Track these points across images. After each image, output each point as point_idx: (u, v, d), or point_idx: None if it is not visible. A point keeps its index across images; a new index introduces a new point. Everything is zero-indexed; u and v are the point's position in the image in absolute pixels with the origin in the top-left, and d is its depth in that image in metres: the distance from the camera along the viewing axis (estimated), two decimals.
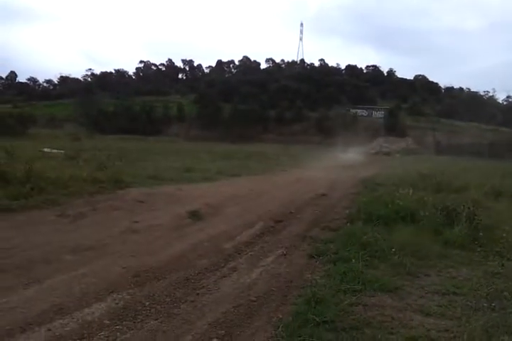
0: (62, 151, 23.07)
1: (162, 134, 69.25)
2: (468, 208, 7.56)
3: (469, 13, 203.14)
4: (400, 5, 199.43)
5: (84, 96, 78.15)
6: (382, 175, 19.54)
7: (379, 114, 77.72)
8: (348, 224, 7.85)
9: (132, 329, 3.73)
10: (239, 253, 6.22)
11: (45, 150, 24.60)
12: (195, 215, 8.55)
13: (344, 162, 31.90)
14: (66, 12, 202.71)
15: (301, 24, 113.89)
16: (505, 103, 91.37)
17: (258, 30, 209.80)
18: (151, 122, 74.72)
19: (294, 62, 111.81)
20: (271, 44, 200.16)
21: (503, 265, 5.45)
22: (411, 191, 10.02)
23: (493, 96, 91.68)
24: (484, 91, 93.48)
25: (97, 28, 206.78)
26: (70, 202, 9.09)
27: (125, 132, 61.10)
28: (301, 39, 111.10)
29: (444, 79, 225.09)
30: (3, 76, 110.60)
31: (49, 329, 3.64)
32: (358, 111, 78.06)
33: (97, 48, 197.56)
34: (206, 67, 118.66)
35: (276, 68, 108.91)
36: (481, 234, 6.96)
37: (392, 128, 70.60)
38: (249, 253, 6.26)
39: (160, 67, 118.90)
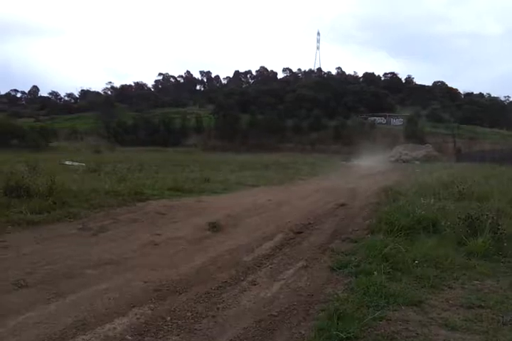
0: (83, 164, 23.47)
1: (181, 145, 70.05)
2: (492, 217, 7.40)
3: (489, 19, 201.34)
4: (418, 11, 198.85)
5: (105, 109, 79.54)
6: (402, 183, 19.29)
7: (398, 122, 77.34)
8: (369, 235, 7.75)
9: None
10: (258, 266, 6.18)
11: (67, 163, 25.09)
12: (215, 227, 8.56)
13: (363, 170, 31.67)
14: (86, 27, 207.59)
15: (318, 33, 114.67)
16: None
17: (275, 40, 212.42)
18: (170, 133, 75.63)
19: (311, 71, 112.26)
20: (287, 53, 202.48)
21: None
22: (432, 200, 9.87)
23: None
24: (505, 97, 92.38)
25: (117, 42, 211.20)
26: (91, 215, 9.21)
27: (145, 144, 62.10)
28: (318, 48, 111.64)
29: (463, 84, 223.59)
30: (26, 90, 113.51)
31: None
32: (376, 118, 77.84)
33: (117, 62, 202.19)
34: (224, 78, 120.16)
35: (293, 77, 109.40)
36: (505, 244, 6.81)
37: (412, 135, 70.07)
38: (269, 266, 6.21)
39: (178, 78, 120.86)
